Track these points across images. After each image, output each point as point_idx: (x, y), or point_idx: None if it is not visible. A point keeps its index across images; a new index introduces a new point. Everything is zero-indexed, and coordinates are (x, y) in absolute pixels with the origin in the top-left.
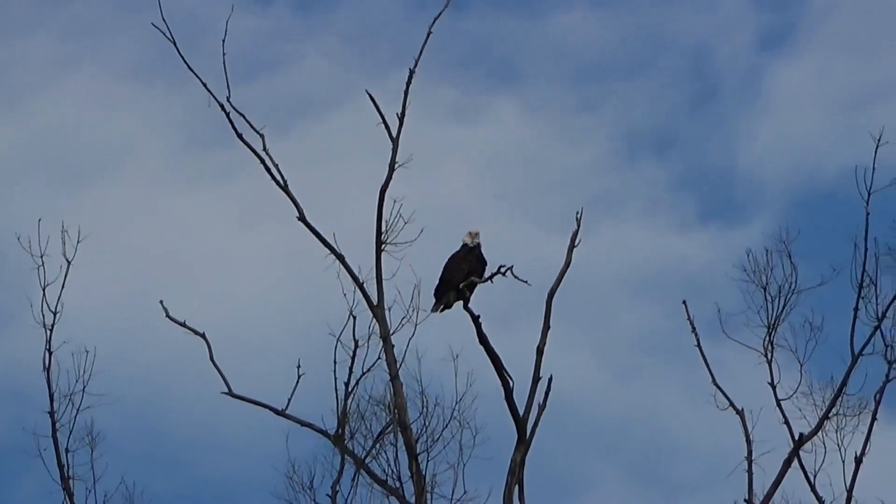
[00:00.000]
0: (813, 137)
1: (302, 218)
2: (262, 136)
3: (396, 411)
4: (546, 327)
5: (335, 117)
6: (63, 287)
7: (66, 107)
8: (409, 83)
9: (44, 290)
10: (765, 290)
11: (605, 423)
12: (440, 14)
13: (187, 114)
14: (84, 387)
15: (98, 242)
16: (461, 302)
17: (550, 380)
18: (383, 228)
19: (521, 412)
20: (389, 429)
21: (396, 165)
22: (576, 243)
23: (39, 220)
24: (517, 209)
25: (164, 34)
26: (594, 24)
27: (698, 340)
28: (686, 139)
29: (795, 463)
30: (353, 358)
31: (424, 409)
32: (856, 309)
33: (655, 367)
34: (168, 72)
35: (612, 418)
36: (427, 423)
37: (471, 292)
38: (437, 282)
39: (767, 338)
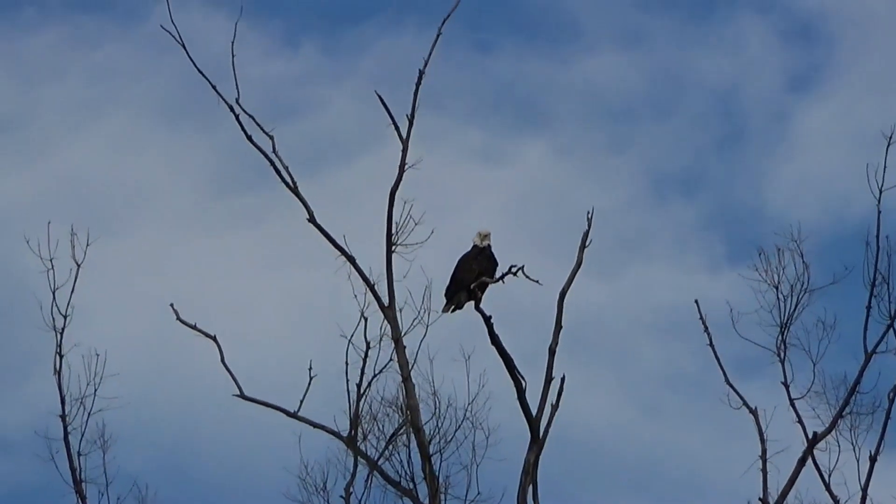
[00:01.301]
0: (841, 178)
1: (312, 220)
2: (271, 137)
3: (409, 412)
4: (558, 327)
5: (364, 160)
6: (73, 290)
7: (94, 151)
8: (418, 84)
9: (54, 293)
10: (777, 289)
11: (631, 460)
12: (449, 14)
13: (214, 157)
14: (95, 390)
15: (125, 286)
16: (472, 302)
17: (563, 380)
18: (394, 229)
19: (533, 412)
20: (402, 430)
21: (406, 167)
22: (587, 243)
23: (49, 222)
24: (545, 250)
25: (174, 37)
26: (622, 66)
27: (710, 340)
28: (714, 180)
29: (810, 462)
30: (364, 359)
31: (437, 410)
32: (868, 307)
33: (681, 404)
34: (195, 115)
35: (638, 455)
36: (440, 425)
37: (482, 292)
38: (448, 282)
39: (780, 337)
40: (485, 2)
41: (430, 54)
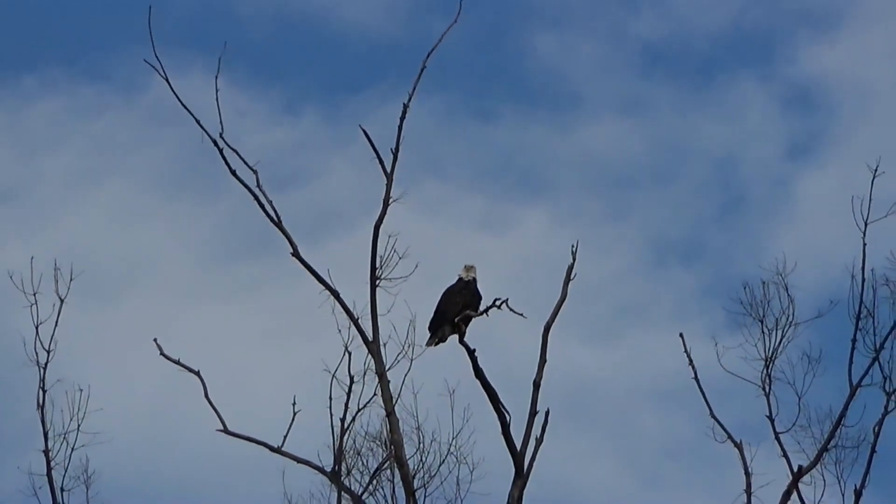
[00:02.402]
0: (841, 246)
1: (296, 254)
2: (255, 172)
3: (393, 447)
4: (542, 361)
5: (366, 227)
6: (56, 325)
7: (93, 221)
8: (402, 118)
9: (37, 328)
10: (762, 322)
11: None
12: (434, 48)
13: (213, 228)
14: (79, 425)
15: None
16: (457, 336)
17: (547, 414)
18: (378, 263)
19: (518, 446)
20: (386, 465)
21: (391, 201)
22: (571, 276)
23: (32, 257)
24: (546, 318)
25: (158, 71)
26: (622, 134)
27: (696, 374)
28: (714, 247)
29: (795, 496)
30: (348, 394)
31: (421, 444)
32: (854, 340)
33: (680, 473)
34: (193, 186)
35: None
36: (424, 459)
37: (466, 326)
38: (432, 315)
39: (765, 371)
40: (486, 70)
41: (413, 88)
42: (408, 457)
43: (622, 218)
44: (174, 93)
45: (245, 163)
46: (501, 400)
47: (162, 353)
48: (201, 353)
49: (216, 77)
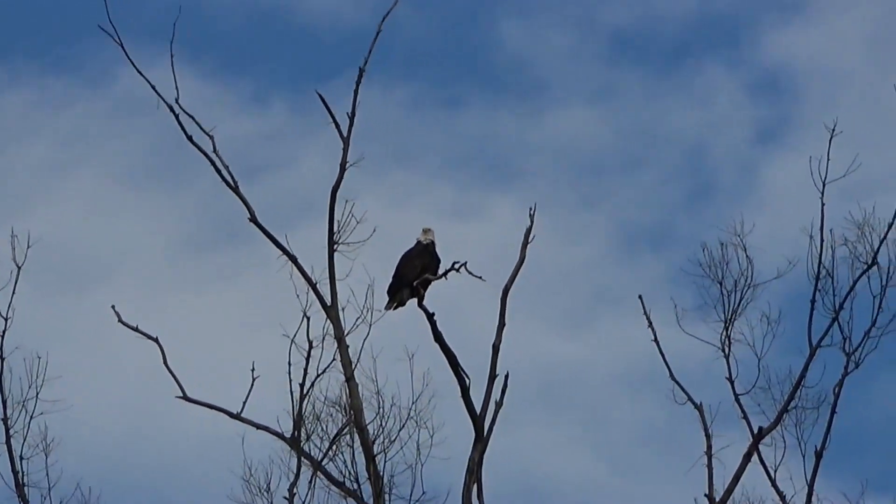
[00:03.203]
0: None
1: (253, 219)
2: (211, 137)
3: (353, 412)
4: (501, 324)
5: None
6: (14, 293)
7: (64, 212)
8: (358, 82)
9: None
10: (721, 284)
11: None
12: (389, 11)
13: (186, 217)
14: (37, 393)
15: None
16: (415, 300)
17: (507, 377)
18: (335, 228)
19: (478, 410)
20: (346, 430)
21: (347, 165)
22: (529, 240)
23: None
24: (517, 306)
25: (112, 37)
26: (591, 121)
27: (655, 336)
28: (684, 233)
29: (755, 457)
30: (307, 359)
31: (381, 409)
32: (813, 301)
33: (653, 459)
34: (166, 176)
35: None
36: (384, 424)
37: (425, 289)
38: (390, 279)
39: (724, 332)
40: (453, 59)
41: (369, 52)
42: (367, 422)
43: (592, 205)
44: (129, 58)
45: (201, 128)
46: (461, 364)
47: (120, 321)
48: (160, 322)
49: (171, 42)
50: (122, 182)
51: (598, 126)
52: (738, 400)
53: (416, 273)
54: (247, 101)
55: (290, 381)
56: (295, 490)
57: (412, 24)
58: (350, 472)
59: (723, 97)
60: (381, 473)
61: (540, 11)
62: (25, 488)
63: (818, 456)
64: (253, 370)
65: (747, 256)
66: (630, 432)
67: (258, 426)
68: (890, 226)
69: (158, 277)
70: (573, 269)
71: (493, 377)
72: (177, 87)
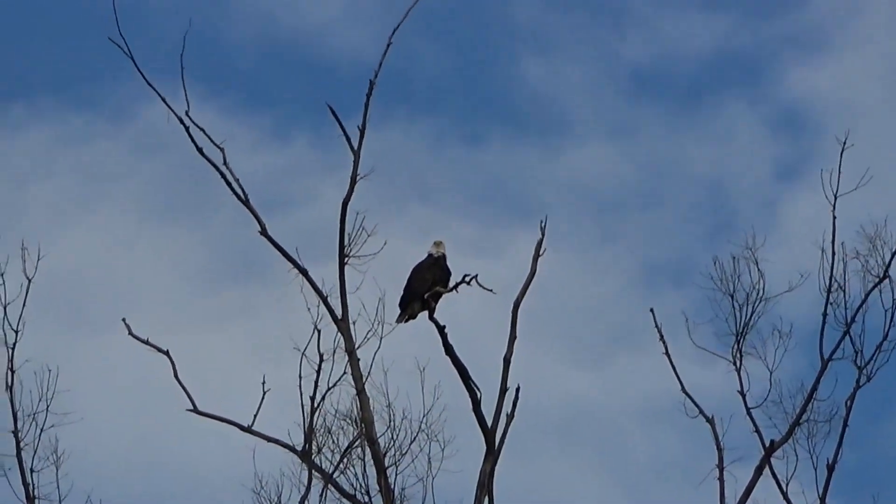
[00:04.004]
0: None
1: (264, 232)
2: (222, 150)
3: (363, 425)
4: (513, 337)
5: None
6: (24, 305)
7: (84, 248)
8: (369, 94)
9: (4, 308)
10: (732, 297)
11: None
12: (401, 23)
13: (204, 253)
14: (48, 406)
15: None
16: (426, 313)
17: (518, 390)
18: (346, 241)
19: (489, 423)
20: (357, 443)
21: (358, 178)
22: (540, 252)
23: None
24: (538, 342)
25: (122, 49)
26: (611, 157)
27: (667, 349)
28: (703, 269)
29: (767, 470)
30: (318, 372)
31: (392, 422)
32: (824, 314)
33: (671, 494)
34: (185, 212)
35: None
36: (395, 437)
37: (436, 302)
38: (402, 292)
39: (736, 346)
40: (474, 96)
41: (380, 64)
42: (378, 435)
43: (612, 241)
44: (140, 72)
45: (211, 140)
46: (472, 377)
47: (131, 333)
48: (171, 337)
49: (181, 55)
50: (142, 217)
51: (618, 162)
52: (749, 413)
53: (427, 286)
54: (267, 136)
55: (301, 394)
56: (306, 503)
57: (434, 61)
58: (361, 486)
59: (743, 134)
60: (392, 486)
61: (561, 48)
62: (36, 501)
63: (830, 469)
64: (264, 383)
65: (759, 270)
66: (647, 465)
67: (269, 439)
68: None
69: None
70: (593, 304)
71: (504, 390)
72: (187, 101)
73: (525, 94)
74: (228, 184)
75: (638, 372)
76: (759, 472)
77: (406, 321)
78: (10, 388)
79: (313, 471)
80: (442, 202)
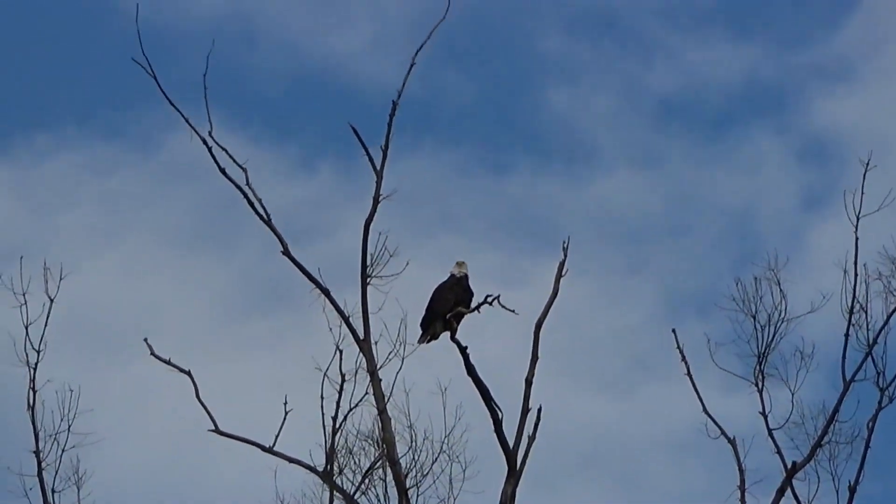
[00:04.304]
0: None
1: (286, 252)
2: (244, 170)
3: (385, 446)
4: (534, 358)
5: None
6: (46, 325)
7: (109, 277)
8: (392, 115)
9: (27, 328)
10: (754, 318)
11: None
12: (425, 42)
13: (229, 283)
14: (69, 426)
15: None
16: (448, 333)
17: (540, 411)
18: (368, 262)
19: (510, 444)
20: (378, 464)
21: (381, 198)
22: (563, 273)
23: (21, 257)
24: (563, 370)
25: (145, 69)
26: (637, 186)
27: (688, 369)
28: (727, 292)
29: (788, 492)
30: (340, 393)
31: (413, 443)
32: (846, 335)
33: None
34: (210, 241)
35: None
36: (416, 458)
37: (458, 323)
38: (423, 313)
39: (758, 367)
40: (500, 124)
41: (403, 84)
42: (400, 455)
43: (638, 271)
44: (161, 90)
45: (234, 160)
46: (493, 397)
47: (153, 353)
48: (192, 354)
49: (204, 76)
50: (169, 246)
51: (644, 192)
52: (771, 435)
53: (449, 306)
54: (294, 166)
55: (323, 414)
56: None
57: (460, 90)
58: None
59: (769, 163)
60: None
61: (586, 77)
62: None
63: (852, 491)
64: (286, 404)
65: (781, 291)
66: (669, 492)
67: (291, 460)
68: None
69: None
70: (618, 333)
71: (525, 411)
72: (210, 121)
73: (551, 123)
74: (251, 204)
75: (662, 401)
76: (780, 493)
77: (428, 342)
78: (31, 407)
79: (335, 492)
80: (467, 230)
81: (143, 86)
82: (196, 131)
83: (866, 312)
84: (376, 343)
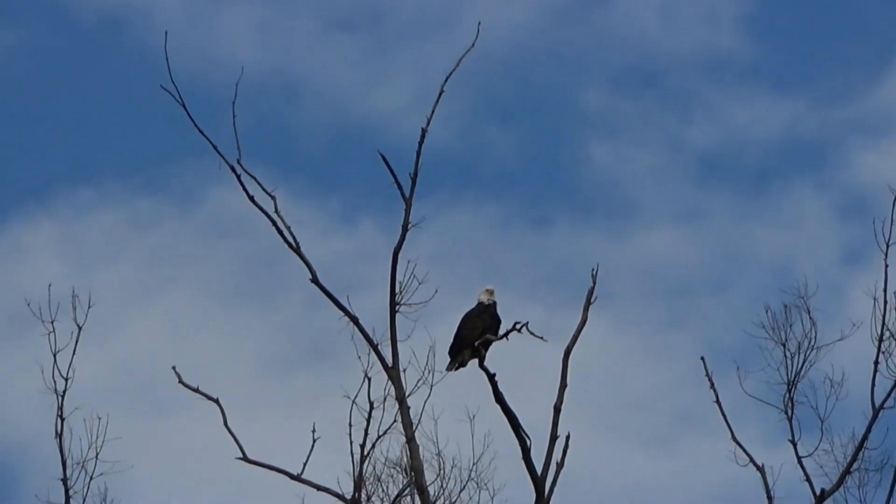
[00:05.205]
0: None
1: (315, 280)
2: (273, 198)
3: (413, 474)
4: (563, 385)
5: (422, 333)
6: (74, 353)
7: (151, 332)
8: (421, 143)
9: (55, 355)
10: (784, 346)
11: None
12: (452, 72)
13: (268, 339)
14: (97, 454)
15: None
16: (477, 360)
17: (568, 438)
18: (397, 289)
19: (539, 472)
20: (406, 492)
21: (410, 226)
22: (591, 300)
23: (49, 285)
24: (603, 425)
25: (174, 97)
26: (679, 241)
27: (717, 397)
28: (772, 354)
29: None
30: (368, 420)
31: (441, 470)
32: (876, 363)
33: None
34: (249, 297)
35: None
36: (444, 485)
37: (486, 350)
38: (451, 340)
39: (787, 394)
40: (542, 179)
41: (432, 113)
42: (428, 483)
43: (680, 325)
44: (190, 118)
45: (263, 189)
46: (522, 425)
47: (181, 381)
48: (221, 381)
49: (233, 103)
50: (212, 301)
51: (686, 247)
52: (800, 462)
53: (477, 333)
54: (336, 220)
55: (351, 442)
56: None
57: (502, 145)
58: None
59: (810, 218)
60: None
61: (628, 132)
62: None
63: None
64: (314, 431)
65: (811, 318)
66: None
67: (319, 487)
68: None
69: (241, 398)
70: (660, 388)
71: (554, 438)
72: (239, 149)
73: (593, 178)
74: (280, 232)
75: (703, 457)
76: None
77: (456, 369)
78: (59, 435)
79: None
80: (509, 284)
81: (184, 140)
82: (224, 158)
83: (895, 339)
84: (405, 370)
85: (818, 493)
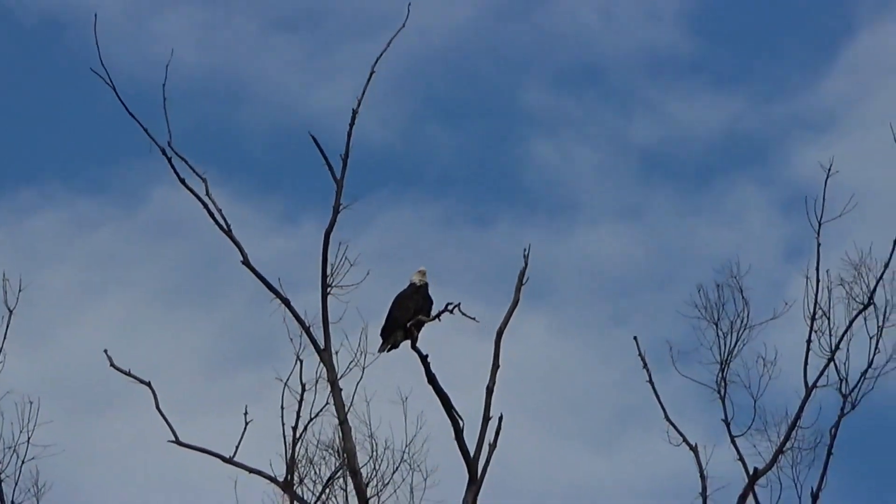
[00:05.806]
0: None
1: (246, 262)
2: (204, 180)
3: (346, 456)
4: (495, 366)
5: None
6: (5, 338)
7: (92, 334)
8: (352, 124)
9: None
10: (717, 325)
11: None
12: (381, 54)
13: (211, 338)
14: (29, 437)
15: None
16: (409, 342)
17: (501, 419)
18: (329, 271)
19: (471, 453)
20: (339, 474)
21: (341, 207)
22: (524, 281)
23: None
24: (544, 425)
25: (104, 79)
26: (621, 239)
27: (650, 376)
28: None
29: (751, 499)
30: (300, 403)
31: (374, 452)
32: (808, 342)
33: None
34: (192, 296)
35: None
36: (377, 467)
37: (418, 331)
38: (384, 321)
39: (720, 374)
40: (484, 178)
41: (363, 93)
42: (361, 465)
43: (621, 323)
44: (120, 100)
45: (194, 171)
46: (454, 406)
47: (112, 364)
48: (153, 365)
49: (163, 85)
50: (155, 301)
51: (628, 243)
52: (733, 441)
53: (409, 315)
54: (278, 220)
55: (283, 424)
56: None
57: (444, 143)
58: None
59: (753, 214)
60: None
61: (570, 130)
62: None
63: (814, 497)
64: (246, 414)
65: (743, 297)
66: None
67: (251, 470)
68: (886, 265)
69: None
70: (601, 386)
71: (486, 419)
72: (169, 132)
73: (535, 175)
74: (211, 214)
75: (645, 454)
76: (742, 500)
77: (388, 350)
78: None
79: (295, 502)
80: (451, 283)
81: (125, 141)
82: (156, 141)
83: (829, 319)
84: (337, 353)
85: (751, 472)
